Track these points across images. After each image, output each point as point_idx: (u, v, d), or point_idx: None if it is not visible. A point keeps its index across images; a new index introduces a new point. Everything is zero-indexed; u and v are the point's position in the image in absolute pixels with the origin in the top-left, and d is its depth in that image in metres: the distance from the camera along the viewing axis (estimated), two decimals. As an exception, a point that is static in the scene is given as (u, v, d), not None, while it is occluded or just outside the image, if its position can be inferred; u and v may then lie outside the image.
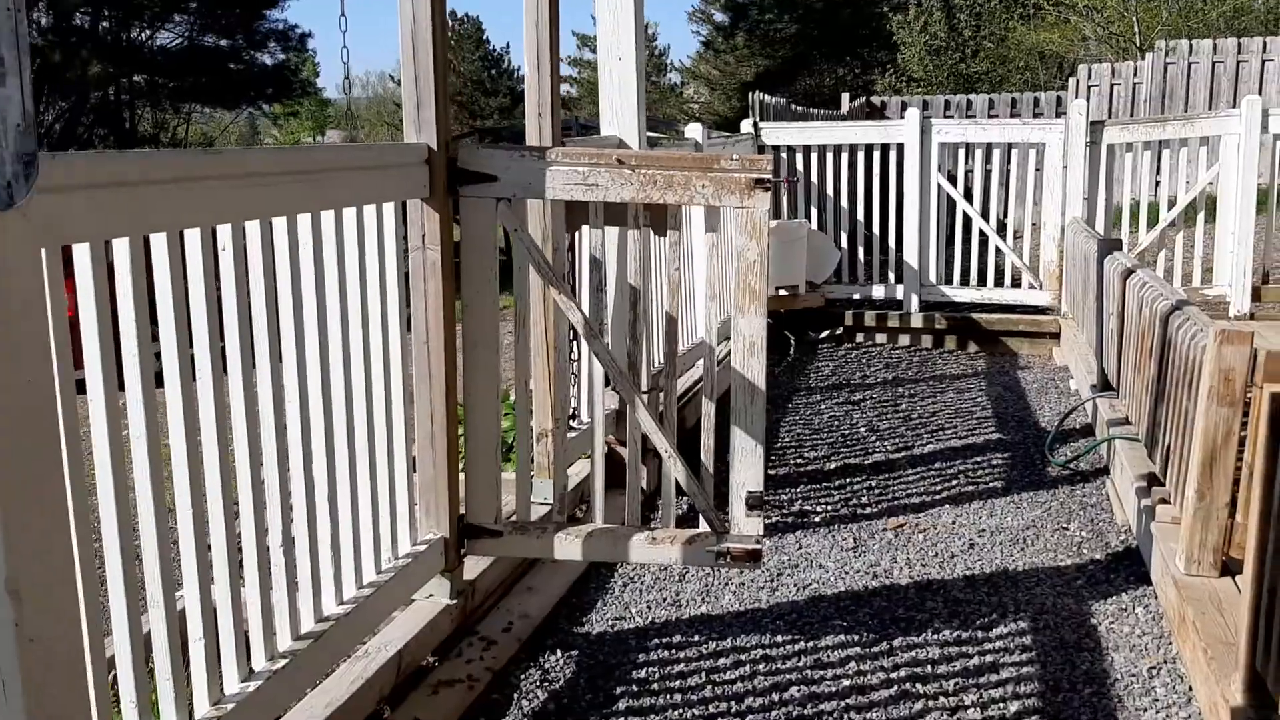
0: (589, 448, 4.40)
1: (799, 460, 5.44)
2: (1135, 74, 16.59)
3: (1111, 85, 16.49)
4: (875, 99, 18.66)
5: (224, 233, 2.36)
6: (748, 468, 3.27)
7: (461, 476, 3.38)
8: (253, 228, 2.46)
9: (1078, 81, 16.81)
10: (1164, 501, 3.88)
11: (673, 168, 3.15)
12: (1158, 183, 8.18)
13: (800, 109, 12.97)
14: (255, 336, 2.50)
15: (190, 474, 2.25)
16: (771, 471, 5.27)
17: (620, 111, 4.62)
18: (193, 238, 2.25)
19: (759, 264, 3.16)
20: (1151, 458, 4.22)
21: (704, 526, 3.34)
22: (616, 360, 3.35)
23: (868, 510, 4.74)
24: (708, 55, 45.13)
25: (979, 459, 5.42)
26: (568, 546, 3.34)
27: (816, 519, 4.63)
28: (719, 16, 36.05)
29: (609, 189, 3.17)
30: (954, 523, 4.54)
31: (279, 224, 2.55)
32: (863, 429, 6.01)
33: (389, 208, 3.01)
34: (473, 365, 3.30)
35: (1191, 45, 16.18)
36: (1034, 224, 8.09)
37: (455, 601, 3.32)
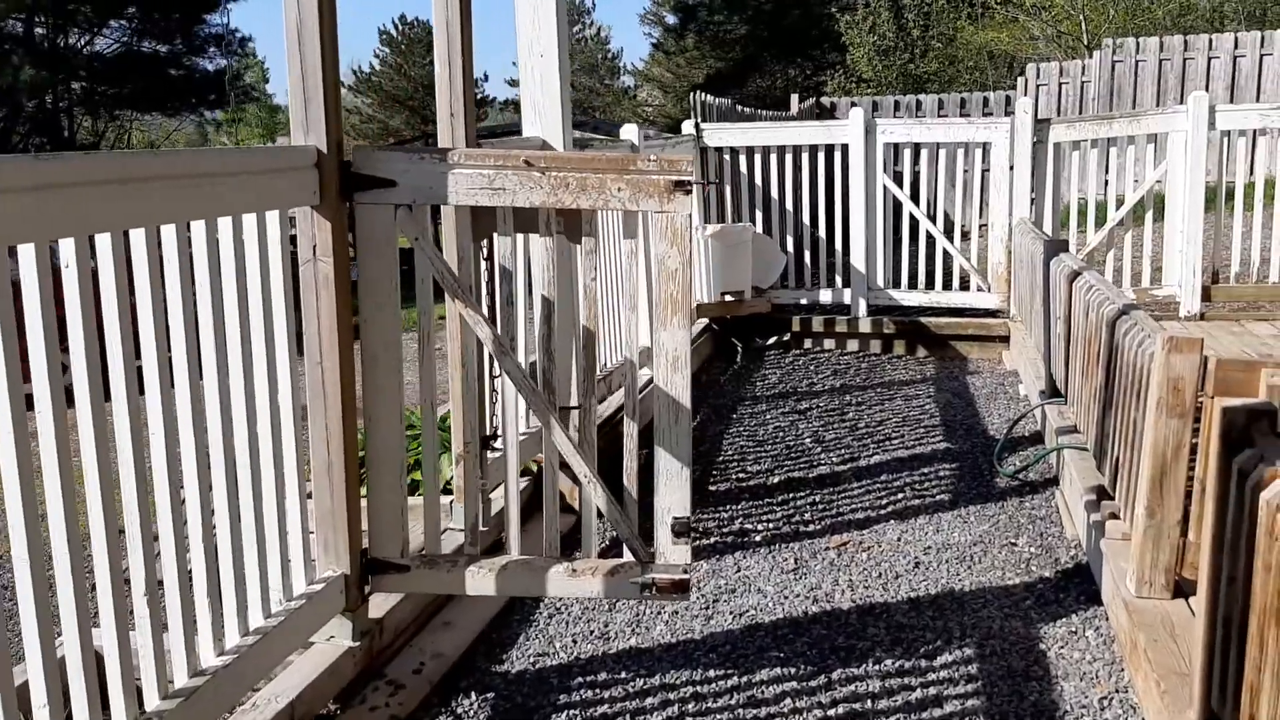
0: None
1: (741, 475, 5.22)
2: (1083, 72, 16.59)
3: (1060, 84, 16.48)
4: (825, 100, 18.55)
5: (67, 247, 2.10)
6: (673, 492, 3.04)
7: (366, 506, 3.13)
8: (104, 241, 2.20)
9: (1026, 80, 16.78)
10: (1114, 516, 3.70)
11: (586, 170, 2.92)
12: (1106, 181, 8.06)
13: (749, 110, 12.79)
14: (110, 362, 2.24)
15: (25, 514, 1.99)
16: (713, 487, 5.06)
17: (543, 111, 4.38)
18: (26, 253, 2.00)
19: (681, 272, 2.94)
20: (1101, 470, 4.04)
21: (628, 556, 3.11)
22: (530, 378, 3.11)
23: (811, 527, 4.53)
24: (659, 58, 45.02)
25: (926, 470, 5.23)
26: (480, 581, 3.09)
27: (757, 538, 4.41)
28: (670, 19, 35.92)
29: (517, 193, 2.94)
30: (899, 540, 4.34)
31: (137, 236, 2.29)
32: (808, 440, 5.80)
33: (272, 216, 2.76)
34: (374, 386, 3.05)
35: (1139, 43, 16.20)
36: (983, 224, 7.92)
37: (359, 643, 3.06)
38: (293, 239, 2.87)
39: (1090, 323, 4.25)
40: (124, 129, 28.34)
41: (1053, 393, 5.49)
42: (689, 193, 2.91)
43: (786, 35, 28.18)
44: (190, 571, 2.49)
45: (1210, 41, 15.76)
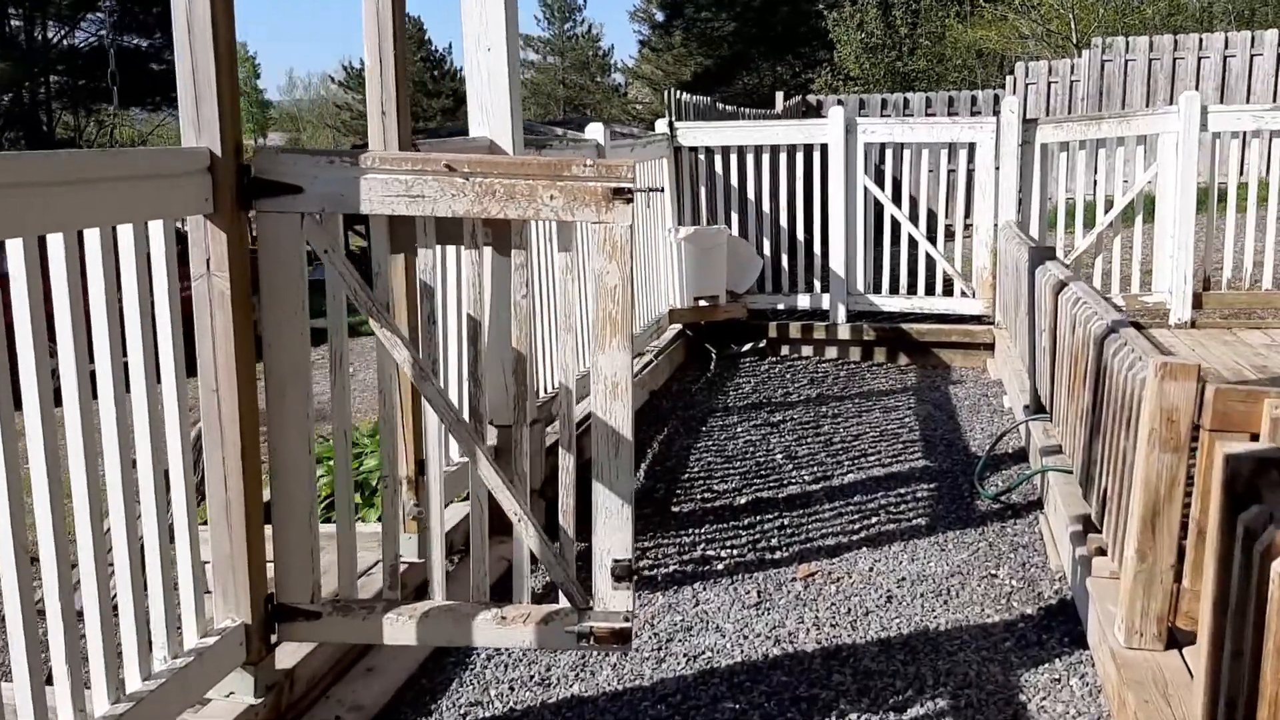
0: (462, 491, 3.87)
1: (707, 495, 4.92)
2: (1072, 72, 16.32)
3: (1049, 83, 16.21)
4: (812, 98, 18.24)
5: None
6: (613, 532, 2.74)
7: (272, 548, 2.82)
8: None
9: (1015, 79, 16.51)
10: (1101, 552, 3.40)
11: (515, 175, 2.62)
12: (1095, 182, 7.78)
13: (730, 109, 12.47)
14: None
15: None
16: (676, 509, 4.76)
17: (491, 110, 4.07)
18: None
19: (621, 289, 2.64)
20: (1087, 499, 3.75)
21: (564, 602, 2.81)
22: (454, 406, 2.80)
23: (778, 554, 4.23)
24: (649, 55, 44.74)
25: (903, 490, 4.94)
26: (399, 630, 2.79)
27: (720, 566, 4.11)
28: (659, 15, 35.57)
29: (438, 201, 2.63)
30: (871, 570, 4.05)
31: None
32: (779, 456, 5.51)
33: (156, 226, 2.45)
34: (279, 414, 2.74)
35: (1128, 42, 15.95)
36: (969, 224, 7.63)
37: (263, 699, 2.75)
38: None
39: (1077, 339, 3.96)
40: (103, 124, 27.94)
41: (1038, 408, 5.20)
42: (629, 201, 2.61)
43: (775, 32, 27.84)
44: (46, 637, 2.17)
45: (1200, 41, 15.51)
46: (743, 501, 4.83)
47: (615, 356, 2.67)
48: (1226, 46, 15.21)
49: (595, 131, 5.92)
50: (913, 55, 24.08)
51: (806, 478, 5.14)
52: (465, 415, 2.89)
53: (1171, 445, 2.75)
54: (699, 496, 4.90)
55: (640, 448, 5.66)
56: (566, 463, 2.81)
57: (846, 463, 5.36)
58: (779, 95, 16.13)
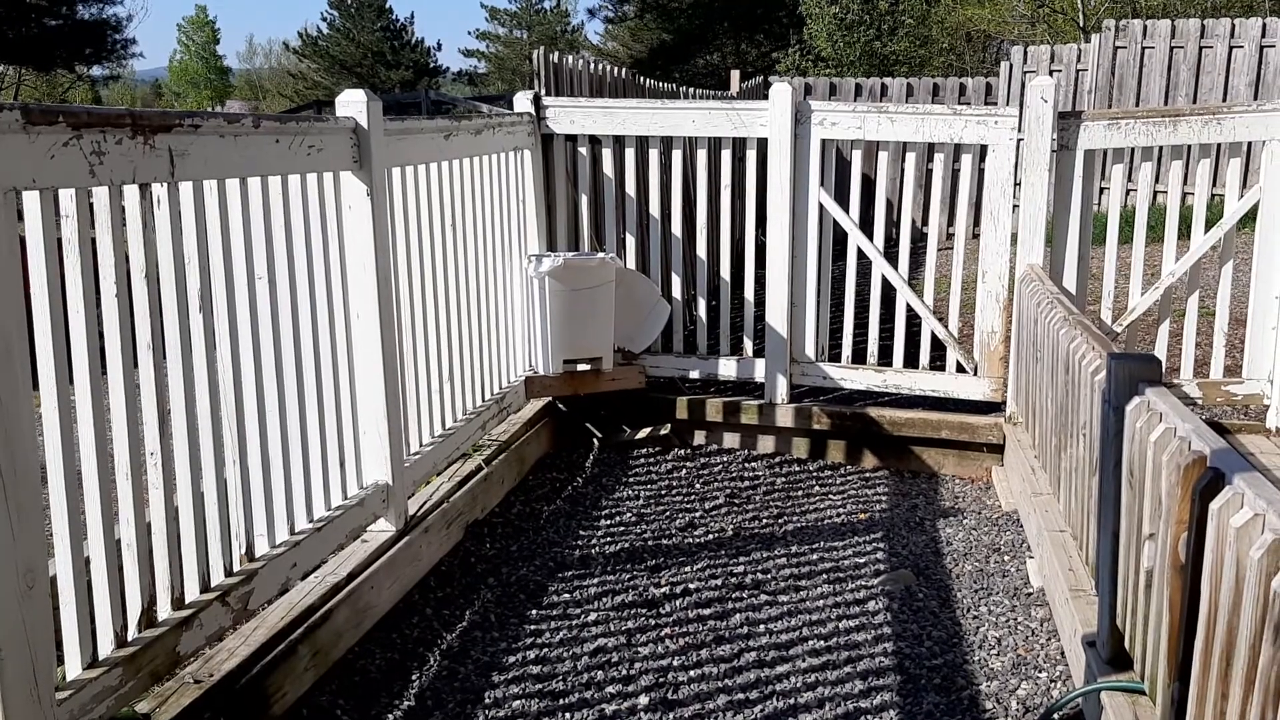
0: None
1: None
2: (1079, 59, 13.94)
3: (1051, 71, 13.80)
4: (775, 80, 15.72)
5: None
6: None
7: None
8: None
9: (1011, 66, 14.10)
10: None
11: None
12: (1164, 205, 5.34)
13: (669, 86, 9.94)
14: None
15: None
16: None
17: None
18: None
19: None
20: None
21: None
22: None
23: None
24: (613, 30, 42.11)
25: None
26: None
27: None
28: (619, -14, 32.85)
29: None
30: None
31: None
32: (644, 699, 3.06)
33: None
34: None
35: (1146, 27, 13.57)
36: (973, 238, 5.19)
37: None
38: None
39: (1257, 597, 1.52)
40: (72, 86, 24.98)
41: (1117, 655, 2.77)
42: None
43: (740, 6, 25.14)
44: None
45: (1233, 28, 13.13)
46: None
47: None
48: (1264, 35, 12.83)
49: (351, 104, 3.39)
50: (893, 35, 21.42)
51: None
52: None
53: None
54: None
55: (390, 670, 3.19)
56: None
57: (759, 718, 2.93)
58: (734, 75, 13.58)
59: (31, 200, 2.17)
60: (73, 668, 2.34)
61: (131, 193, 2.47)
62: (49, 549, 2.22)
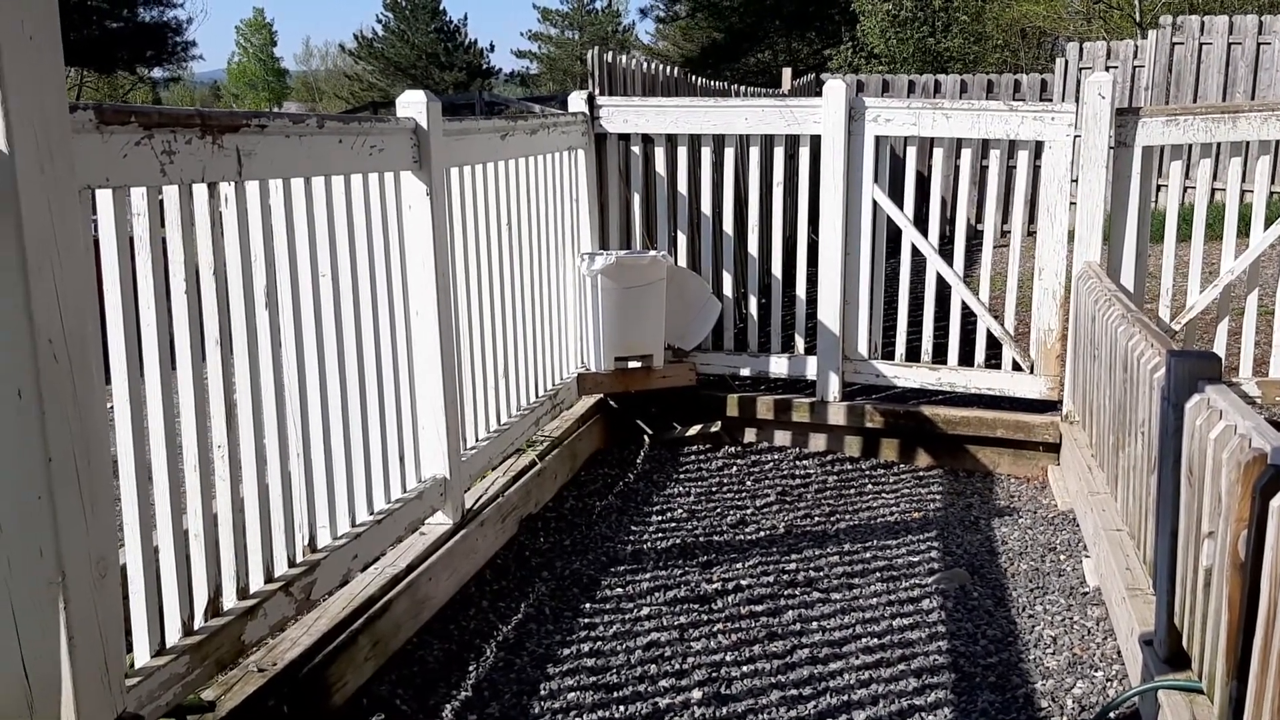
0: None
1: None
2: (1135, 55, 13.74)
3: (1108, 68, 13.60)
4: (828, 77, 15.66)
5: None
6: None
7: None
8: None
9: (1066, 62, 13.93)
10: None
11: None
12: (1217, 200, 5.28)
13: (721, 84, 9.95)
14: None
15: None
16: None
17: None
18: None
19: None
20: None
21: None
22: None
23: None
24: (664, 30, 42.10)
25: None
26: None
27: None
28: (671, -15, 32.86)
29: None
30: None
31: None
32: (698, 694, 3.09)
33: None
34: None
35: (1203, 23, 13.34)
36: (1030, 232, 5.15)
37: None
38: None
39: None
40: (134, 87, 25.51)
41: (1174, 654, 2.75)
42: None
43: (790, 3, 25.04)
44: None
45: (1293, 21, 12.88)
46: None
47: None
48: (1327, 29, 12.56)
49: (411, 105, 3.45)
50: (946, 32, 21.25)
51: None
52: None
53: None
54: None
55: (448, 661, 3.24)
56: None
57: (813, 717, 2.94)
58: (786, 73, 13.55)
59: (104, 199, 2.23)
60: (141, 655, 2.41)
61: (200, 191, 2.53)
62: (119, 539, 2.28)
